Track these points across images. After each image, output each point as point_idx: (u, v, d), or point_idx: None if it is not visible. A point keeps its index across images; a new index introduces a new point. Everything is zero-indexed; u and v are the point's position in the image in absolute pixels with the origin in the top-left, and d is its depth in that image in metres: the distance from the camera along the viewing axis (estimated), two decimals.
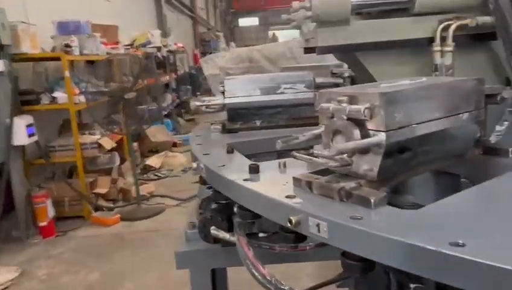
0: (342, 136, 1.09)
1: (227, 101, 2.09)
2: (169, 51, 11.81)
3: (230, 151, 1.64)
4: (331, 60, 3.04)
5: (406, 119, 1.06)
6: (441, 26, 1.79)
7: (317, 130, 1.18)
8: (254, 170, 1.35)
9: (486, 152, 1.35)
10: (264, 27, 46.12)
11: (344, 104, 1.08)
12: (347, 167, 1.08)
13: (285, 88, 2.09)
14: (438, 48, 1.80)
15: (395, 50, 1.93)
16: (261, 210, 1.20)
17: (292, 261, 1.80)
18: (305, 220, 1.00)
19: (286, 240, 1.42)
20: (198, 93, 16.69)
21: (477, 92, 1.25)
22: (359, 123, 1.06)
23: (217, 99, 2.14)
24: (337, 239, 0.94)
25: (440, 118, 1.15)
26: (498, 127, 1.74)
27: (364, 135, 1.05)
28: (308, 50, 2.28)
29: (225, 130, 2.12)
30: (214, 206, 1.89)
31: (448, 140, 1.23)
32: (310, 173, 1.20)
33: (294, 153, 1.15)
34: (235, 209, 1.89)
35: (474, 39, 1.83)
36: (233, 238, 1.71)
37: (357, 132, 1.06)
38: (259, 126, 2.17)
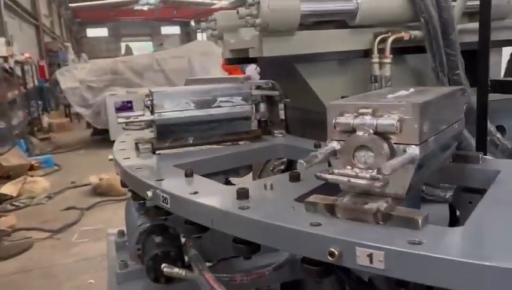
0: (367, 152, 1.00)
1: (157, 116, 1.85)
2: (17, 62, 10.48)
3: (189, 174, 1.43)
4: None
5: (431, 130, 1.02)
6: (379, 38, 1.83)
7: (330, 147, 1.06)
8: (243, 195, 1.17)
9: (456, 160, 1.39)
10: (115, 38, 44.21)
11: (368, 117, 1.00)
12: (374, 186, 0.99)
13: (221, 101, 1.93)
14: (377, 60, 1.84)
15: (333, 62, 1.93)
16: (279, 243, 1.03)
17: (252, 288, 1.66)
18: (349, 251, 0.88)
19: (240, 252, 1.23)
20: (49, 108, 15.16)
21: (463, 101, 1.29)
22: (385, 137, 0.98)
23: (145, 115, 1.88)
24: (397, 269, 0.85)
25: (448, 127, 1.15)
26: None
27: (391, 149, 0.98)
28: (240, 60, 2.16)
29: (154, 149, 1.87)
30: (158, 239, 1.64)
31: (445, 149, 1.23)
32: (317, 194, 1.09)
33: (324, 175, 1.02)
34: (184, 239, 1.68)
35: (405, 52, 1.92)
36: (191, 274, 1.50)
37: (386, 147, 0.98)
38: (192, 143, 1.98)
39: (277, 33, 1.73)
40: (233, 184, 1.67)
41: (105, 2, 33.92)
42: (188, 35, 43.50)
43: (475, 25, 1.74)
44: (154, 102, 1.85)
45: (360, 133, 1.00)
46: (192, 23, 45.02)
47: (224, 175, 1.80)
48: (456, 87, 1.30)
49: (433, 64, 1.83)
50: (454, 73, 1.85)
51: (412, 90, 1.20)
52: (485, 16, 1.67)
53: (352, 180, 0.98)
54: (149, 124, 1.89)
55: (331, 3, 1.86)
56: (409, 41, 1.86)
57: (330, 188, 1.11)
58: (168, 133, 1.90)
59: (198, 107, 1.90)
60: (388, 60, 1.83)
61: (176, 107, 1.87)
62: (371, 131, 0.99)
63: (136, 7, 37.40)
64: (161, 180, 1.40)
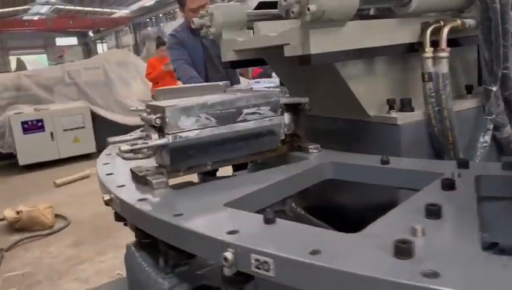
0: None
1: (171, 139, 1.39)
2: None
3: (271, 220, 1.01)
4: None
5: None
6: (431, 28, 1.56)
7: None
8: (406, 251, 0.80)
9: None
10: (1, 52, 40.24)
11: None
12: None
13: (247, 114, 1.52)
14: (430, 54, 1.57)
15: (376, 59, 1.62)
16: None
17: None
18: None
19: None
20: None
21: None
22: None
23: (152, 138, 1.41)
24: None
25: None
26: (482, 138, 1.61)
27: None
28: (247, 63, 1.76)
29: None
30: None
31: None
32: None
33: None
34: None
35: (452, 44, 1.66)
36: None
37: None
38: (211, 169, 1.55)
39: (327, 24, 1.37)
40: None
41: None
42: (87, 46, 41.05)
43: None
44: (167, 120, 1.39)
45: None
46: (91, 33, 42.65)
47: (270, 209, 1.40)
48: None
49: (488, 56, 1.59)
50: (504, 66, 1.64)
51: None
52: None
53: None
54: (157, 148, 1.43)
55: None
56: (459, 31, 1.61)
57: None
58: (183, 159, 1.45)
59: (220, 123, 1.48)
60: (445, 54, 1.56)
61: (194, 124, 1.43)
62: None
63: (26, 17, 34.43)
64: (235, 232, 0.97)
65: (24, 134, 8.04)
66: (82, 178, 7.44)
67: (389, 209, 1.60)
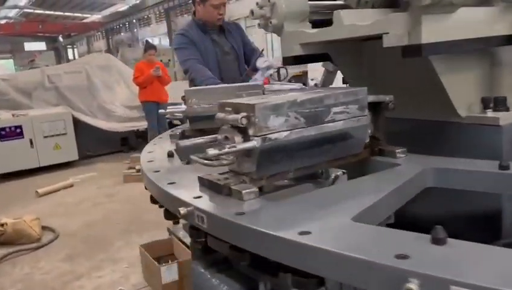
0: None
1: (260, 141, 1.18)
2: None
3: (442, 240, 0.82)
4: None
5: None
6: None
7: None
8: None
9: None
10: None
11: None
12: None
13: (335, 113, 1.33)
14: None
15: (471, 52, 1.46)
16: None
17: None
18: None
19: None
20: None
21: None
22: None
23: (236, 141, 1.20)
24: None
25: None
26: None
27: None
28: (310, 58, 1.58)
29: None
30: None
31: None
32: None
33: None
34: None
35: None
36: None
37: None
38: (293, 177, 1.35)
39: (439, 10, 1.20)
40: None
41: None
42: (56, 51, 39.93)
43: None
44: (257, 119, 1.18)
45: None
46: (61, 38, 41.58)
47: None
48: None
49: None
50: None
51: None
52: None
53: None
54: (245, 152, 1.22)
55: None
56: None
57: None
58: (269, 165, 1.25)
59: (309, 124, 1.28)
60: None
61: (283, 125, 1.23)
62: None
63: None
64: (405, 257, 0.77)
65: (1, 141, 7.59)
66: (65, 187, 7.07)
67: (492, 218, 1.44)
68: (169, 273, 3.47)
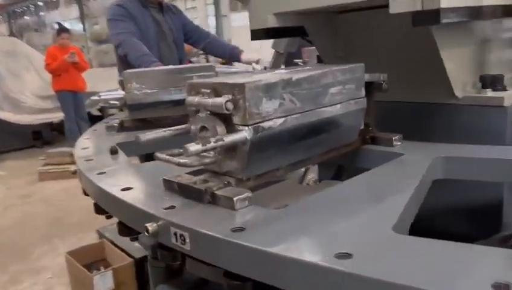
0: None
1: (252, 131, 0.92)
2: None
3: None
4: None
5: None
6: None
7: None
8: None
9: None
10: None
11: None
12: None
13: (332, 93, 1.09)
14: None
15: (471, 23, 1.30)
16: None
17: None
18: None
19: None
20: None
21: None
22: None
23: (229, 134, 0.93)
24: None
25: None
26: None
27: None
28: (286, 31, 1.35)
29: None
30: None
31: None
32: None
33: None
34: None
35: None
36: None
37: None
38: (281, 176, 1.10)
39: None
40: None
41: None
42: None
43: None
44: (248, 103, 0.90)
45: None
46: None
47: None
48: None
49: None
50: None
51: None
52: None
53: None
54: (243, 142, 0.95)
55: None
56: None
57: None
58: (261, 161, 0.99)
59: (305, 108, 1.03)
60: None
61: (277, 110, 0.97)
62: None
63: None
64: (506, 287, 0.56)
65: None
66: None
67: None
68: (103, 282, 3.07)
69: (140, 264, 3.25)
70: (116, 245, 3.47)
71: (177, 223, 0.85)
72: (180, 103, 1.94)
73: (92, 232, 4.41)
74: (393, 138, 1.25)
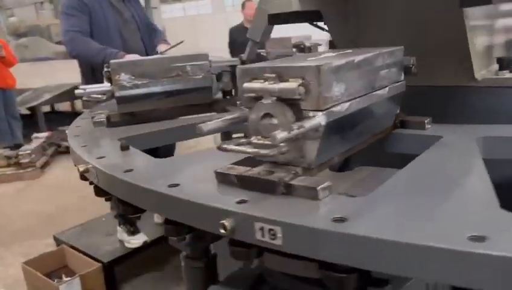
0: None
1: (326, 116, 0.87)
2: None
3: None
4: None
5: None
6: None
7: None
8: None
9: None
10: None
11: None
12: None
13: (382, 77, 1.07)
14: None
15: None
16: None
17: None
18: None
19: None
20: None
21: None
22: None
23: (306, 120, 0.87)
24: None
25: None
26: None
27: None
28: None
29: None
30: None
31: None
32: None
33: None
34: None
35: None
36: None
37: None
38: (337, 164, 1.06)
39: None
40: None
41: None
42: None
43: None
44: (322, 88, 0.86)
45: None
46: None
47: None
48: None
49: None
50: None
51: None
52: None
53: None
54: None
55: None
56: None
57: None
58: (330, 147, 0.94)
59: (363, 91, 1.00)
60: None
61: (344, 94, 0.93)
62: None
63: None
64: None
65: None
66: None
67: None
68: None
69: (109, 269, 3.07)
70: (78, 250, 3.25)
71: (264, 217, 0.78)
72: (173, 94, 1.85)
73: (41, 238, 4.12)
74: (425, 121, 1.26)
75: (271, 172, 0.92)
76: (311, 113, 0.88)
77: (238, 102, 1.91)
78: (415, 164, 1.00)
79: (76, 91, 1.76)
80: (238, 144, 0.89)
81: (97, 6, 2.81)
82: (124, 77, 1.74)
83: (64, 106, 9.70)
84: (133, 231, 3.29)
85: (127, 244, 3.25)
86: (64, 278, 3.06)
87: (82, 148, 1.40)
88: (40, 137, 6.44)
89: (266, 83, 0.91)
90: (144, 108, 1.83)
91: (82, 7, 2.76)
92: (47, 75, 7.92)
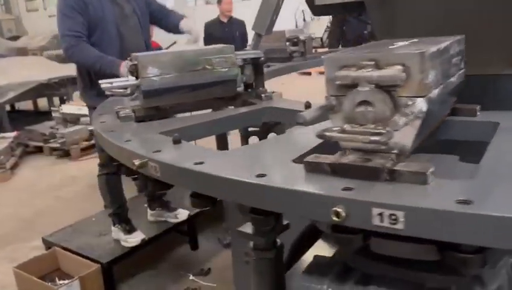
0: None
1: (424, 104, 0.89)
2: None
3: None
4: None
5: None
6: None
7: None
8: None
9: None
10: None
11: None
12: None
13: (453, 64, 1.10)
14: None
15: None
16: None
17: None
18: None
19: None
20: None
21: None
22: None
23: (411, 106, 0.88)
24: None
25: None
26: None
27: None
28: None
29: None
30: None
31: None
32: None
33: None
34: None
35: None
36: None
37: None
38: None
39: None
40: None
41: None
42: None
43: None
44: (422, 74, 0.87)
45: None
46: None
47: None
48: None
49: None
50: None
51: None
52: None
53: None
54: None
55: None
56: None
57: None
58: (420, 136, 0.96)
59: (443, 79, 1.02)
60: None
61: (434, 81, 0.95)
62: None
63: None
64: None
65: None
66: None
67: None
68: None
69: (107, 269, 2.98)
70: (72, 251, 3.13)
71: (385, 203, 0.79)
72: (198, 87, 1.81)
73: (24, 242, 3.96)
74: (476, 108, 1.30)
75: (367, 159, 0.93)
76: (410, 100, 0.89)
77: (262, 95, 1.92)
78: (495, 149, 1.03)
79: (103, 85, 1.69)
80: (332, 132, 0.89)
81: (96, 3, 2.70)
82: (151, 71, 1.70)
83: (26, 105, 9.27)
84: (129, 230, 3.21)
85: (124, 243, 3.17)
86: (59, 281, 2.95)
87: (128, 143, 1.35)
88: (7, 137, 6.13)
89: (360, 70, 0.91)
90: (169, 102, 1.79)
91: (77, 4, 2.64)
92: (8, 72, 7.53)
